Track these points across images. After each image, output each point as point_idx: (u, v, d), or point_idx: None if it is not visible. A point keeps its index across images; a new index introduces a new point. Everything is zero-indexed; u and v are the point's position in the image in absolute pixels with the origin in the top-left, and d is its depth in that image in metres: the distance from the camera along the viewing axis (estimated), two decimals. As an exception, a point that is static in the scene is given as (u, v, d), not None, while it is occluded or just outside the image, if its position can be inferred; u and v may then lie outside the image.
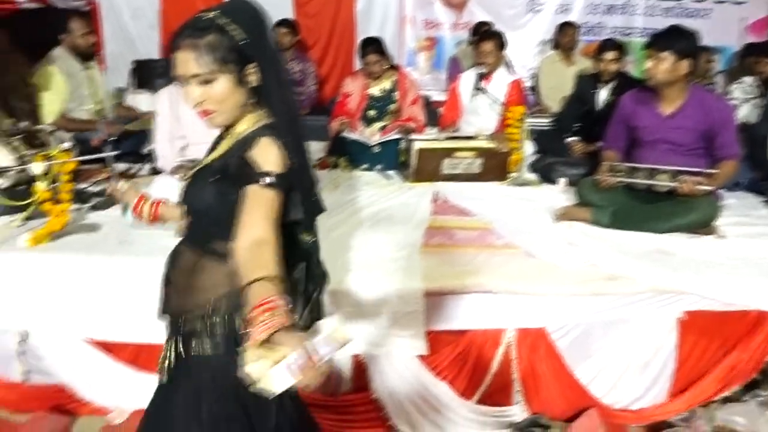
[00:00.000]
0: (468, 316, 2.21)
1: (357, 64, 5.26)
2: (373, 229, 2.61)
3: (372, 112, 3.84)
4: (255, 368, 1.06)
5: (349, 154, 3.71)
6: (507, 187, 3.35)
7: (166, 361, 1.39)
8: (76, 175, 2.74)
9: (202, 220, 1.33)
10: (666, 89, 2.67)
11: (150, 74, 4.90)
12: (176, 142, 2.71)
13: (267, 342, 1.07)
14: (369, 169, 3.63)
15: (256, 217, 1.18)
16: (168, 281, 1.41)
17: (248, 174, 1.21)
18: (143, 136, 3.88)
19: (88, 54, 3.78)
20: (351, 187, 3.33)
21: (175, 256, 1.41)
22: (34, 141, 2.78)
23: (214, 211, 1.28)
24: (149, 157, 3.52)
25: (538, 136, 3.91)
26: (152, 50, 5.38)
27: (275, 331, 1.06)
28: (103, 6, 5.36)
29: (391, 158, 3.61)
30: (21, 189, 2.58)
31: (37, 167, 2.39)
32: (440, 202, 3.11)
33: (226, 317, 1.30)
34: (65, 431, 2.28)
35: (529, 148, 3.68)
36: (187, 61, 1.21)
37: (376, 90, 3.85)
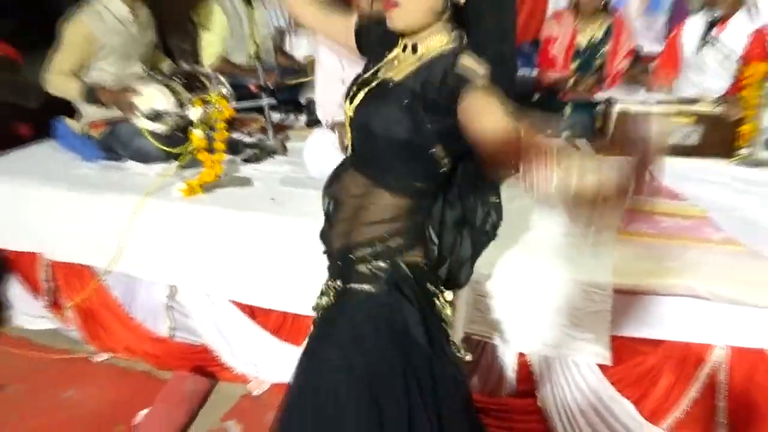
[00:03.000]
0: (667, 324, 2.12)
1: (551, 6, 5.12)
2: (555, 208, 2.56)
3: (573, 65, 3.71)
4: None
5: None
6: (734, 167, 3.11)
7: (323, 299, 1.50)
8: (230, 124, 2.99)
9: (382, 146, 1.35)
10: None
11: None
12: (339, 89, 2.83)
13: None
14: (556, 137, 3.54)
15: (496, 114, 1.17)
16: (333, 206, 1.47)
17: (464, 81, 1.22)
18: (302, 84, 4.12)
19: None
20: (533, 155, 3.28)
21: (343, 177, 1.46)
22: (194, 84, 3.08)
23: (402, 138, 1.29)
24: (308, 108, 3.75)
25: (784, 102, 3.55)
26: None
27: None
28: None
29: (584, 124, 3.49)
30: (177, 135, 2.89)
31: (195, 113, 2.63)
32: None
33: (394, 258, 1.38)
34: (205, 393, 2.56)
35: (769, 119, 3.38)
36: None
37: (583, 38, 3.70)
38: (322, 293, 1.52)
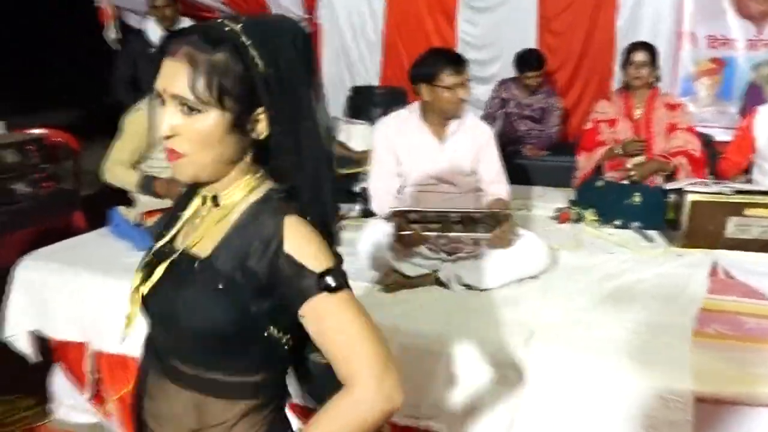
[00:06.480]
0: (757, 438, 2.00)
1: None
2: (624, 305, 2.50)
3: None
4: None
5: (599, 205, 3.62)
6: (823, 264, 3.01)
7: None
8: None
9: (200, 343, 1.10)
10: None
11: (367, 102, 5.33)
12: (393, 182, 2.88)
13: None
14: (623, 227, 3.51)
15: (361, 343, 1.04)
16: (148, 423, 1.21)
17: (306, 284, 1.04)
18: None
19: None
20: (598, 247, 3.24)
21: (153, 394, 1.20)
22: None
23: (222, 329, 1.06)
24: (361, 197, 3.80)
25: None
26: (372, 76, 5.87)
27: None
28: (326, 26, 5.98)
29: (655, 213, 3.44)
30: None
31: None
32: (721, 276, 2.90)
33: None
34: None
35: None
36: (176, 74, 1.04)
37: (639, 112, 3.73)
38: None
